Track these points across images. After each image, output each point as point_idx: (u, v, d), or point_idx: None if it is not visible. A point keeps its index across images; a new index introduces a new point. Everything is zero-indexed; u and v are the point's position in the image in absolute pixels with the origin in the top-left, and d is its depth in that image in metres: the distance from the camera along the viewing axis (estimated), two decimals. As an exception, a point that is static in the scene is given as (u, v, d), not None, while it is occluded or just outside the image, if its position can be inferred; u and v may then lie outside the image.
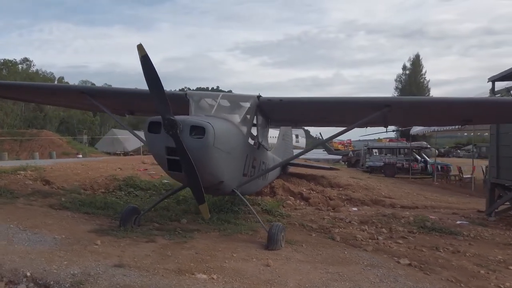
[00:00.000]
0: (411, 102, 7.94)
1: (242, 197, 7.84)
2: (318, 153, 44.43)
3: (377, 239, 8.39)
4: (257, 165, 9.06)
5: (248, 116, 8.16)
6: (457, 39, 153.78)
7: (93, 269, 5.27)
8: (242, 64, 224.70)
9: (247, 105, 8.15)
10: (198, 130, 6.27)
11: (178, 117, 6.19)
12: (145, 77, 6.21)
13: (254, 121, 8.38)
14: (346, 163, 34.69)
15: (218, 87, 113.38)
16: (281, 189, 13.40)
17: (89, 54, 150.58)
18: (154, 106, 6.16)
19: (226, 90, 77.57)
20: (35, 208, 8.80)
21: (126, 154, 36.65)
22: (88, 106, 9.74)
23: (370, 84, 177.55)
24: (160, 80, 6.20)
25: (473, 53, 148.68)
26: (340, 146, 49.95)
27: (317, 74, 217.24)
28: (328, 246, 7.53)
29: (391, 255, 7.23)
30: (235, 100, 8.41)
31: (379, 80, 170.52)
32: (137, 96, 9.08)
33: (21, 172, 13.02)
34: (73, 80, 69.52)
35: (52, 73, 65.90)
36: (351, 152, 37.49)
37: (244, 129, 7.99)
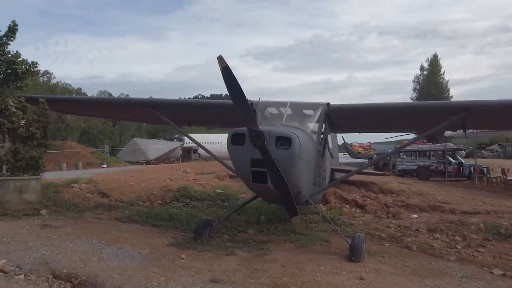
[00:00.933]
0: (494, 105, 7.63)
1: (319, 208, 7.70)
2: (341, 157, 43.62)
3: (456, 247, 8.08)
4: (322, 174, 8.92)
5: (318, 124, 8.03)
6: (471, 38, 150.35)
7: (191, 285, 5.22)
8: (254, 70, 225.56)
9: (316, 113, 8.02)
10: (284, 141, 6.16)
11: (263, 128, 6.11)
12: (227, 88, 6.16)
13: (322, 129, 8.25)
14: (373, 166, 34.00)
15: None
16: (333, 197, 13.18)
17: (104, 64, 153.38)
18: (239, 118, 6.10)
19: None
20: (104, 221, 8.85)
21: (148, 163, 37.15)
22: (149, 118, 9.80)
23: (384, 85, 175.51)
24: (242, 91, 6.14)
25: (488, 51, 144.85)
26: (360, 149, 48.80)
27: (329, 77, 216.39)
28: (409, 257, 7.28)
29: (479, 265, 6.94)
30: (303, 108, 8.29)
31: (392, 82, 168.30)
32: (197, 107, 9.07)
33: (75, 184, 13.19)
34: (91, 91, 70.23)
35: (70, 84, 66.86)
36: (375, 156, 36.62)
37: (314, 137, 7.86)
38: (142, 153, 40.98)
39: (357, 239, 6.89)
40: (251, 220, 9.78)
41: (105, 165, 31.87)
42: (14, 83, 9.60)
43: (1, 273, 5.39)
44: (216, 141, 39.35)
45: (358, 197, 13.27)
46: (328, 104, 7.94)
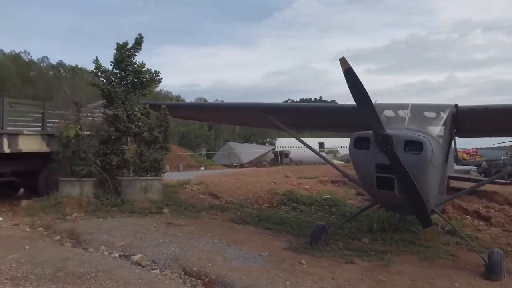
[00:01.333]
0: None
1: (446, 219, 7.08)
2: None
3: None
4: (444, 182, 8.22)
5: (443, 128, 7.39)
6: None
7: (318, 292, 5.10)
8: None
9: (442, 115, 7.39)
10: (414, 145, 5.76)
11: (390, 132, 5.78)
12: (350, 90, 5.94)
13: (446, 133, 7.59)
14: (483, 174, 30.61)
15: (321, 97, 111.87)
16: (450, 207, 12.10)
17: (201, 73, 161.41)
18: (365, 121, 5.85)
19: (329, 100, 75.37)
20: (219, 222, 9.18)
21: (241, 166, 38.10)
22: (261, 122, 9.98)
23: (490, 85, 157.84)
24: (367, 93, 5.87)
25: None
26: (465, 156, 44.41)
27: (427, 78, 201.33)
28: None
29: None
30: (426, 111, 7.70)
31: (501, 80, 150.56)
32: (310, 112, 8.96)
33: (187, 186, 13.93)
34: (189, 98, 74.52)
35: (171, 92, 71.55)
36: (484, 163, 32.95)
37: (441, 142, 7.25)
38: (236, 156, 42.34)
39: (496, 255, 6.18)
40: (363, 228, 9.38)
41: (202, 168, 33.53)
42: (139, 91, 10.48)
43: (138, 267, 5.83)
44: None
45: (480, 208, 12.02)
46: (456, 105, 7.28)
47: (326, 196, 12.34)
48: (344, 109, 8.34)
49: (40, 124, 10.84)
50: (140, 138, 10.50)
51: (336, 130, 11.71)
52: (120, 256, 6.28)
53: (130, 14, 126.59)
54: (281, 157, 45.34)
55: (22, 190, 12.41)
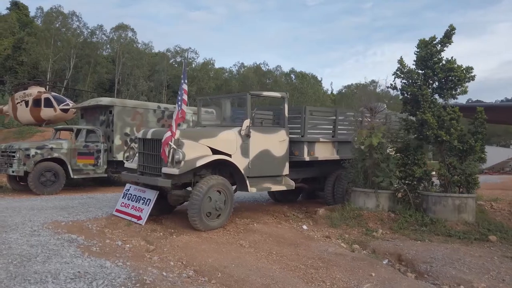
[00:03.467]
0: None
1: None
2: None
3: None
4: None
5: None
6: None
7: None
8: None
9: None
10: None
11: None
12: None
13: None
14: None
15: None
16: None
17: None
18: None
19: None
20: None
21: (480, 172, 31.33)
22: None
23: None
24: None
25: None
26: None
27: None
28: None
29: None
30: None
31: None
32: None
33: (492, 203, 11.39)
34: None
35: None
36: None
37: None
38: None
39: None
40: None
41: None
42: (448, 91, 8.93)
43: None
44: None
45: None
46: None
47: None
48: None
49: (331, 131, 10.60)
50: (446, 147, 8.94)
51: None
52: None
53: (348, 15, 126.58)
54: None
55: (300, 195, 12.65)
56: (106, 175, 13.52)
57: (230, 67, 68.95)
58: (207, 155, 7.82)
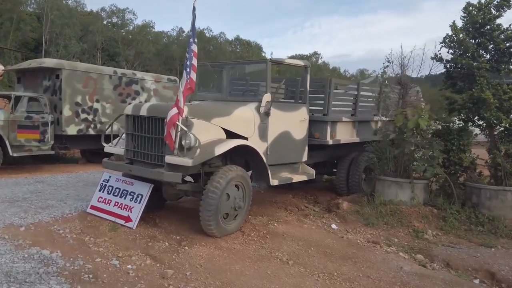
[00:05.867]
0: None
1: None
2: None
3: None
4: None
5: None
6: None
7: None
8: None
9: None
10: None
11: None
12: None
13: None
14: None
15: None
16: None
17: (353, 42, 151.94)
18: None
19: None
20: None
21: None
22: None
23: None
24: None
25: None
26: None
27: None
28: None
29: None
30: None
31: None
32: None
33: None
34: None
35: (328, 63, 70.92)
36: None
37: None
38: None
39: None
40: None
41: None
42: (506, 66, 7.49)
43: None
44: None
45: None
46: None
47: None
48: None
49: (352, 109, 8.91)
50: (501, 133, 7.56)
51: None
52: None
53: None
54: None
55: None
56: (53, 152, 11.02)
57: (169, 31, 63.34)
58: (222, 139, 5.85)
